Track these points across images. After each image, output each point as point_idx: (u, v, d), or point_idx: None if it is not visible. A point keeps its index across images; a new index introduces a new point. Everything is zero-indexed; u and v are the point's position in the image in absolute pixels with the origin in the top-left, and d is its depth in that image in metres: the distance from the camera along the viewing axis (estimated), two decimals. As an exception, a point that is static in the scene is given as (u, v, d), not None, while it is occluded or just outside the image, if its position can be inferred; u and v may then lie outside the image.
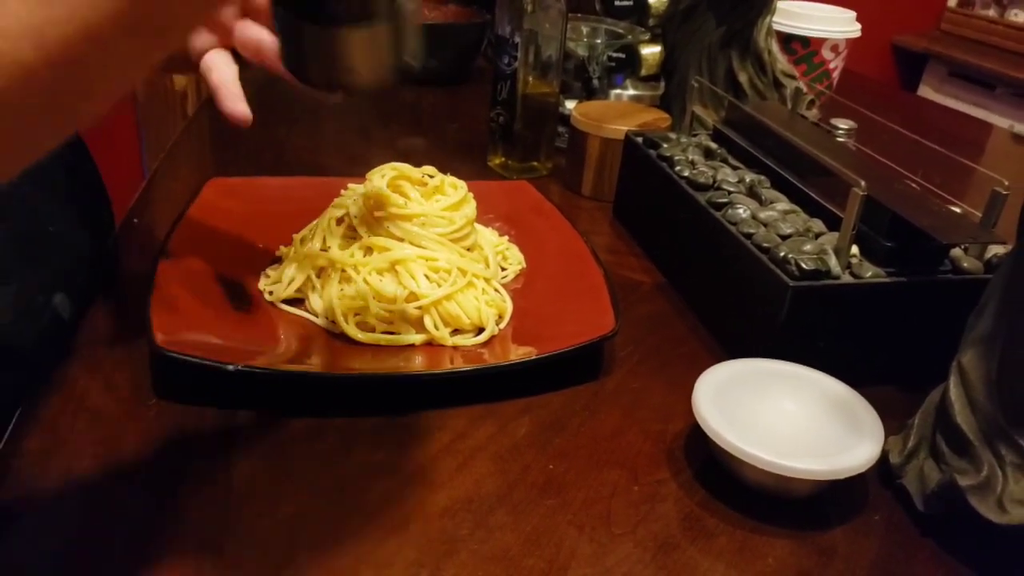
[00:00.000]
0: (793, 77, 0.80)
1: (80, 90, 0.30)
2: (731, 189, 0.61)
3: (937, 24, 2.32)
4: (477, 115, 0.94)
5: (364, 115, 1.01)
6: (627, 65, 0.92)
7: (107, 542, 0.38)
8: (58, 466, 0.41)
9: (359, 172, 0.59)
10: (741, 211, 0.58)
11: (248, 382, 0.46)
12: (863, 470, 0.41)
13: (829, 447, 0.42)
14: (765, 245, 0.53)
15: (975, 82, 2.15)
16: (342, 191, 0.59)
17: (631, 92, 0.93)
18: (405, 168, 0.55)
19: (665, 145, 0.69)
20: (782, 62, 0.80)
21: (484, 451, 0.45)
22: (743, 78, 0.78)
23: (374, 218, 0.54)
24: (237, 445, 0.44)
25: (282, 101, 1.02)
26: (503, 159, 0.82)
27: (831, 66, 0.84)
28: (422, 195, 0.55)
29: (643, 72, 0.93)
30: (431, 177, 0.56)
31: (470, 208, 0.56)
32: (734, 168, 0.65)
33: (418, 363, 0.50)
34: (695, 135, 0.73)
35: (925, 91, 2.27)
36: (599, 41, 0.88)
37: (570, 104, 0.88)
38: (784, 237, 0.54)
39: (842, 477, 0.40)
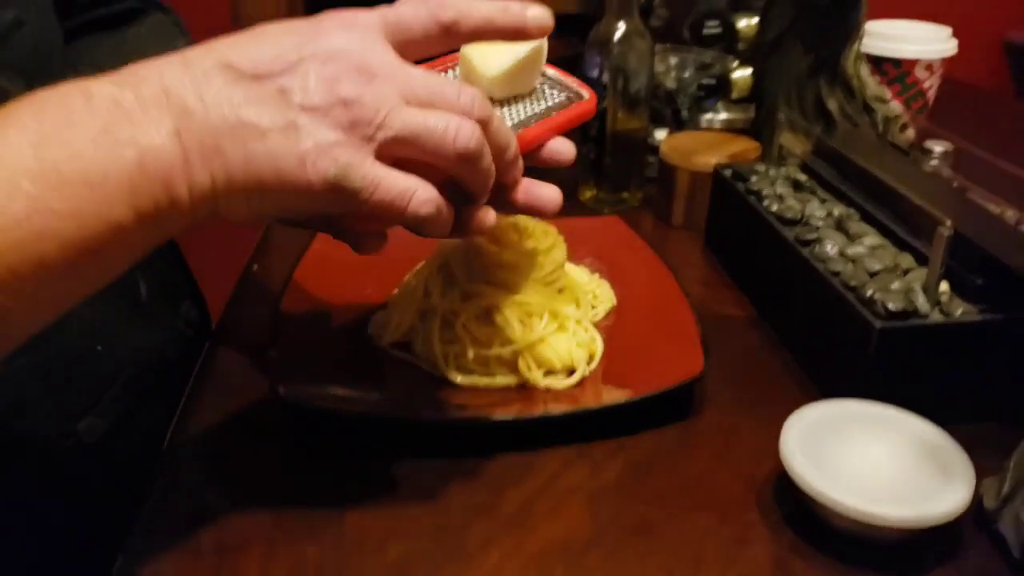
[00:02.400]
0: (884, 101, 0.79)
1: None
2: (819, 224, 0.62)
3: (1056, 14, 2.17)
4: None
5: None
6: (717, 90, 0.93)
7: None
8: (190, 512, 0.46)
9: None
10: (829, 248, 0.58)
11: (361, 426, 0.51)
12: (952, 518, 0.41)
13: (918, 492, 0.43)
14: (852, 284, 0.53)
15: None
16: (442, 242, 0.63)
17: (723, 116, 0.94)
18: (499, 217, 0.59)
19: (754, 178, 0.70)
20: (872, 86, 0.79)
21: (578, 493, 0.48)
22: (832, 105, 0.77)
23: (471, 266, 0.57)
24: (350, 487, 0.48)
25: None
26: (594, 192, 0.84)
27: (925, 86, 0.82)
28: (515, 242, 0.58)
29: (734, 95, 0.93)
30: (524, 225, 0.59)
31: (560, 252, 0.59)
32: (823, 201, 0.65)
33: (513, 406, 0.53)
34: (783, 165, 0.73)
35: (1044, 92, 2.13)
36: (687, 75, 0.89)
37: (659, 134, 0.90)
38: (872, 274, 0.54)
39: (930, 525, 0.41)
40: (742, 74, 0.92)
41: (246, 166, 0.34)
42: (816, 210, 0.63)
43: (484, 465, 0.50)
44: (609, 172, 0.82)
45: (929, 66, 0.80)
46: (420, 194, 0.37)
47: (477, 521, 0.46)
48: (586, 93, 0.48)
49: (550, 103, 0.47)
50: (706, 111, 0.93)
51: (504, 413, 0.52)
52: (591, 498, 0.48)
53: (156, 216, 0.33)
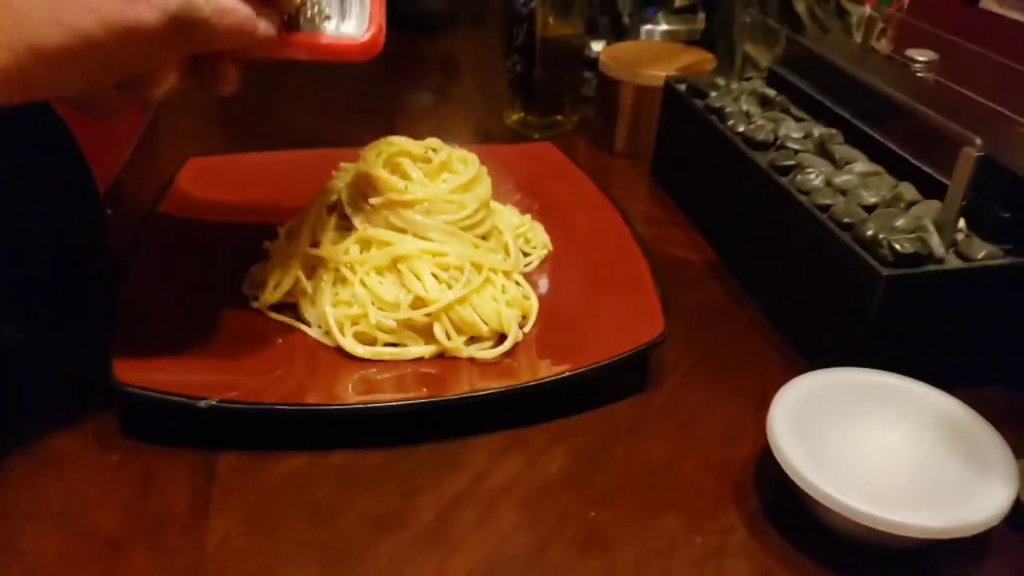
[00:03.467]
0: (859, 2, 0.68)
1: None
2: (797, 147, 0.51)
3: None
4: (492, 64, 0.83)
5: (362, 69, 0.91)
6: (659, -2, 0.81)
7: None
8: (9, 526, 0.34)
9: (358, 139, 0.50)
10: (813, 176, 0.48)
11: (227, 419, 0.39)
12: (992, 525, 0.32)
13: (945, 490, 0.34)
14: (847, 220, 0.43)
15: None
16: (334, 172, 0.50)
17: (664, 27, 0.82)
18: (404, 142, 0.46)
19: (713, 93, 0.59)
20: (846, -15, 0.68)
21: (510, 495, 0.37)
22: (801, 8, 0.66)
23: (370, 206, 0.45)
24: (214, 497, 0.36)
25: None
26: (522, 115, 0.72)
27: (901, -14, 0.72)
28: (426, 174, 0.46)
29: (678, 3, 0.81)
30: (435, 152, 0.47)
31: (484, 188, 0.47)
32: (798, 120, 0.55)
33: (428, 384, 0.41)
34: (747, 79, 0.62)
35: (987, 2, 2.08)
36: (629, -30, 0.77)
37: (596, 46, 0.77)
38: (868, 209, 0.44)
39: (965, 535, 0.32)
40: (688, -22, 0.80)
41: (56, 20, 0.29)
42: (792, 130, 0.53)
43: (391, 462, 0.39)
44: (540, 89, 0.70)
45: (907, -37, 0.70)
46: (260, 20, 0.33)
47: (382, 538, 0.35)
48: (361, 35, 0.36)
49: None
50: (646, 21, 0.81)
51: (417, 394, 0.41)
52: (529, 500, 0.37)
53: None
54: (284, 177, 0.56)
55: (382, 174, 0.44)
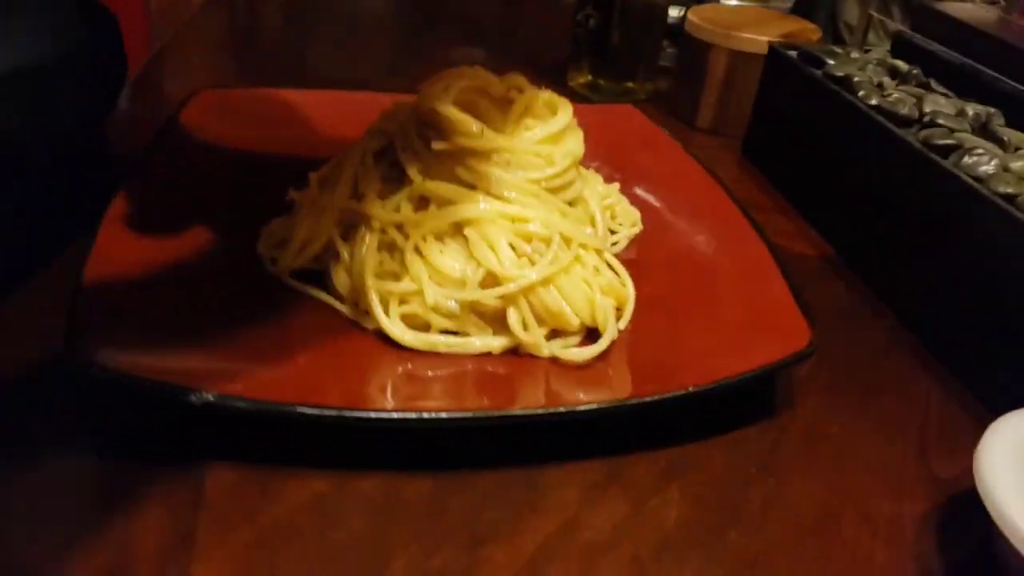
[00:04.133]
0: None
1: None
2: (952, 126, 0.41)
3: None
4: (549, 20, 0.74)
5: (407, 20, 0.81)
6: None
7: None
8: None
9: (400, 88, 0.40)
10: (985, 160, 0.38)
11: (225, 420, 0.28)
12: None
13: None
14: (1045, 215, 0.34)
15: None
16: (385, 110, 0.39)
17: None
18: (480, 74, 0.36)
19: (832, 62, 0.49)
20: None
21: (615, 554, 0.27)
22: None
23: (432, 152, 0.35)
24: (200, 530, 0.26)
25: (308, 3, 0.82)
26: (590, 78, 0.62)
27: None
28: (505, 115, 0.36)
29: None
30: (520, 91, 0.37)
31: (576, 141, 0.37)
32: (944, 96, 0.45)
33: (497, 387, 0.31)
34: (868, 50, 0.52)
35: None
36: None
37: (674, 11, 0.67)
38: (1065, 202, 0.35)
39: None
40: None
41: None
42: (942, 107, 0.43)
43: (446, 493, 0.28)
44: (616, 53, 0.60)
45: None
46: None
47: (434, 606, 0.25)
48: None
49: None
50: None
51: (483, 402, 0.31)
52: (641, 564, 0.27)
53: None
54: (316, 118, 0.46)
55: (451, 112, 0.34)
